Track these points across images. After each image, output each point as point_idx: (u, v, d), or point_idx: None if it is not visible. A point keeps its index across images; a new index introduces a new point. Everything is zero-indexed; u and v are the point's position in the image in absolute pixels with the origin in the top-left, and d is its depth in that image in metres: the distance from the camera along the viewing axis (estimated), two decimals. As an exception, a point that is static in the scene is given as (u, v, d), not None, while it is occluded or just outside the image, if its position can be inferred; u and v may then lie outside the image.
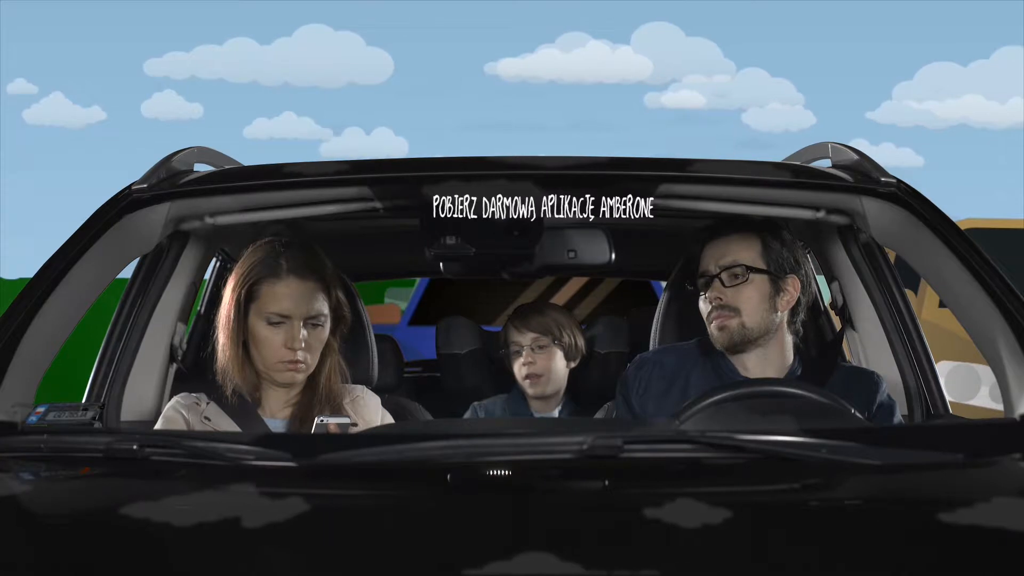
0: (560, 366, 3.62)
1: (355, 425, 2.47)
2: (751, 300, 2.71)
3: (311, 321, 2.56)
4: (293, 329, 2.54)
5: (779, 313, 2.73)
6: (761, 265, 2.72)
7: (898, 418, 2.73)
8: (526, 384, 3.59)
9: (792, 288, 2.74)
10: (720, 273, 2.73)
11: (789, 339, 2.77)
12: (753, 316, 2.71)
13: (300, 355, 2.54)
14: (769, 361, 2.73)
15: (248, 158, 2.87)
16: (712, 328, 2.74)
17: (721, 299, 2.72)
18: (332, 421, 2.36)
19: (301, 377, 2.58)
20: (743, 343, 2.72)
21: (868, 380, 2.75)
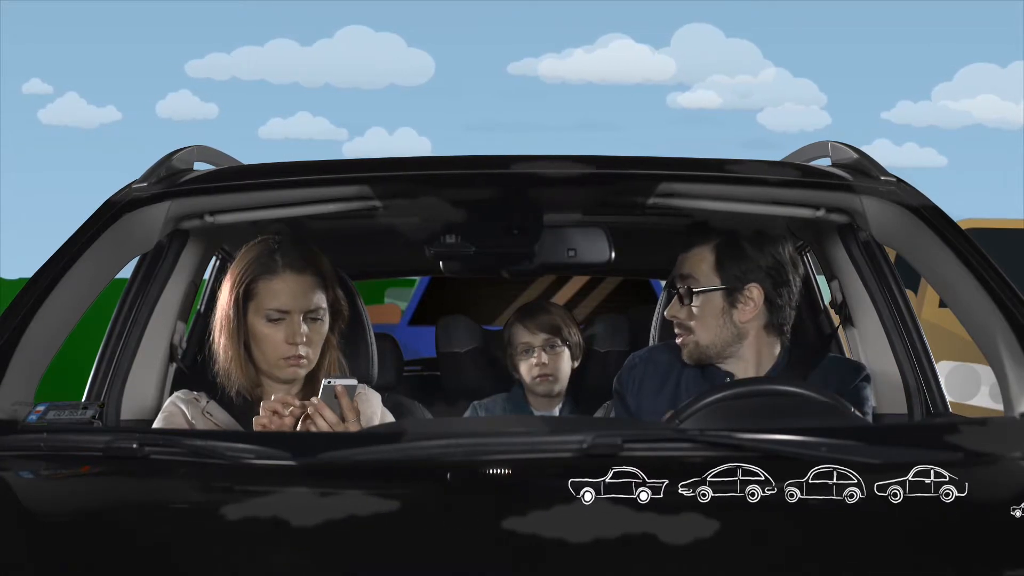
0: (567, 365, 3.63)
1: (359, 387, 2.50)
2: (703, 319, 2.66)
3: (310, 315, 2.57)
4: (293, 324, 2.55)
5: (741, 324, 2.67)
6: (714, 280, 2.66)
7: (871, 404, 2.70)
8: (536, 383, 3.60)
9: (754, 297, 2.67)
10: (679, 289, 2.71)
11: (770, 340, 2.71)
12: (706, 334, 2.67)
13: (302, 350, 2.55)
14: (746, 364, 2.70)
15: (264, 159, 2.87)
16: (679, 342, 2.73)
17: (678, 317, 2.70)
18: (338, 382, 2.38)
19: (303, 372, 2.58)
20: (703, 358, 2.70)
21: (846, 368, 2.72)
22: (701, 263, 2.69)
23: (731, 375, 2.68)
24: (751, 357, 2.70)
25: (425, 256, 2.76)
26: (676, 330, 2.72)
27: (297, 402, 2.40)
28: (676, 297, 2.71)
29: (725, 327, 2.67)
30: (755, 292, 2.67)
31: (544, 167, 2.61)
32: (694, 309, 2.67)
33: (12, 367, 2.28)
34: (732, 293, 2.67)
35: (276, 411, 2.39)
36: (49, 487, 2.07)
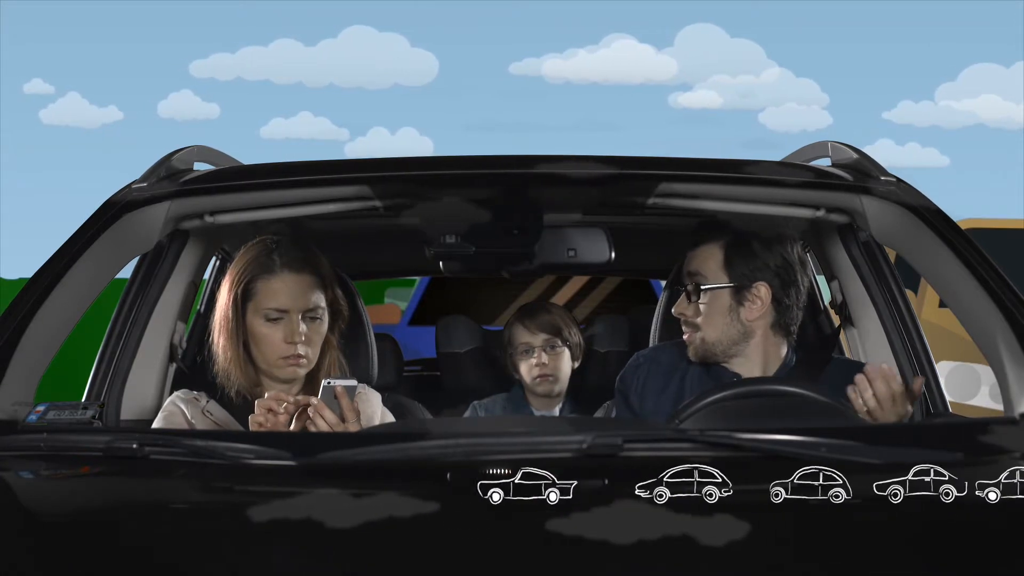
0: (568, 365, 3.64)
1: (359, 387, 2.51)
2: (710, 316, 2.66)
3: (309, 314, 2.57)
4: (292, 323, 2.55)
5: (748, 322, 2.67)
6: (722, 278, 2.67)
7: None
8: (536, 383, 3.60)
9: (761, 295, 2.66)
10: (687, 286, 2.71)
11: (777, 340, 2.71)
12: (713, 332, 2.66)
13: (301, 349, 2.55)
14: (753, 364, 2.70)
15: (265, 159, 2.87)
16: (685, 339, 2.73)
17: (685, 314, 2.70)
18: (338, 383, 2.38)
19: (303, 372, 2.58)
20: (709, 356, 2.69)
21: (857, 371, 2.72)
22: (709, 260, 2.69)
23: (737, 375, 2.68)
24: (758, 357, 2.69)
25: (425, 256, 2.76)
26: (683, 327, 2.72)
27: (291, 398, 2.40)
28: (684, 294, 2.71)
29: (732, 325, 2.67)
30: (763, 291, 2.67)
31: (545, 167, 2.61)
32: (701, 306, 2.67)
33: (12, 367, 2.28)
34: (740, 291, 2.66)
35: (271, 408, 2.38)
36: (49, 487, 2.07)
